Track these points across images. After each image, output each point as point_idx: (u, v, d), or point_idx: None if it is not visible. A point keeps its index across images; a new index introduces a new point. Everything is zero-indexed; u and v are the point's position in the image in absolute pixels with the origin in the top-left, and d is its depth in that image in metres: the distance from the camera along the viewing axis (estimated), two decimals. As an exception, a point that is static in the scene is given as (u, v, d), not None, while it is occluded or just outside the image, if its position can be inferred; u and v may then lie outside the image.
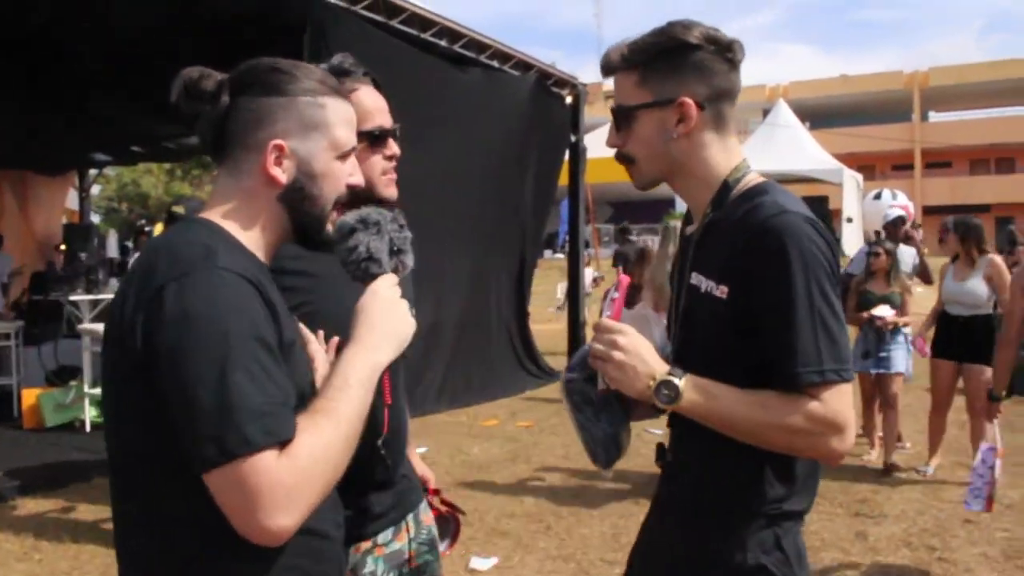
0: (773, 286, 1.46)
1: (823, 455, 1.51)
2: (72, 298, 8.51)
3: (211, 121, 1.38)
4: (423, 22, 7.90)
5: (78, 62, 8.13)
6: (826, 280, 1.47)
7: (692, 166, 1.63)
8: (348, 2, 6.87)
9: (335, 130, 1.42)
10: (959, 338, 6.15)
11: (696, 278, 1.60)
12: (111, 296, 8.66)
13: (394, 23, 7.50)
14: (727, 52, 1.60)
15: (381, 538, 1.88)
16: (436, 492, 2.21)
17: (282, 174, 1.38)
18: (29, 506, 5.54)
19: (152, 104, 9.83)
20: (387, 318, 1.40)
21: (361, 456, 1.54)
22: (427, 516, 2.06)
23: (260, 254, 1.41)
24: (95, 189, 32.40)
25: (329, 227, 1.46)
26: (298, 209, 1.42)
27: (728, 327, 1.53)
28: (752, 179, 1.63)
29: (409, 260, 1.50)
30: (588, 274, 14.75)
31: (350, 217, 1.47)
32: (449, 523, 2.19)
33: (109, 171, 27.79)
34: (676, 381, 1.48)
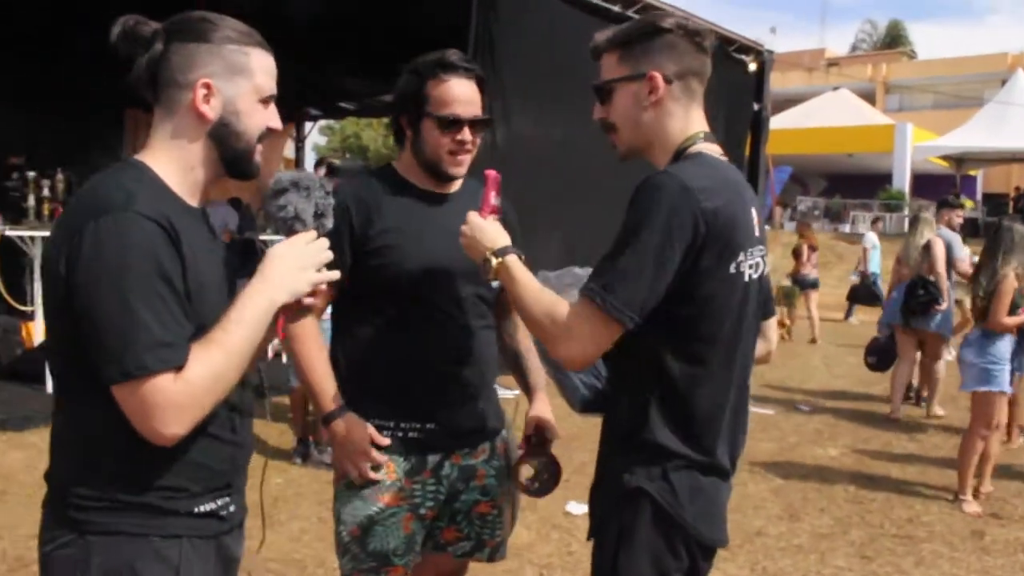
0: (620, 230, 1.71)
1: (553, 351, 1.78)
2: (262, 237, 9.40)
3: (146, 64, 1.55)
4: (598, -11, 8.00)
5: (284, 25, 8.93)
6: (656, 233, 1.65)
7: (659, 134, 1.86)
8: (517, -32, 7.10)
9: (257, 76, 1.59)
10: None
11: None
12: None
13: (565, -11, 7.66)
14: (695, 36, 1.84)
15: (461, 452, 2.29)
16: (545, 441, 2.36)
17: (210, 111, 1.55)
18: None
19: (349, 66, 10.68)
20: (291, 267, 1.58)
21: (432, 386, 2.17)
22: (504, 447, 2.38)
23: (190, 193, 1.60)
24: (322, 140, 34.69)
25: (258, 158, 1.64)
26: (225, 143, 1.59)
27: None
28: (697, 148, 1.83)
29: (329, 223, 1.71)
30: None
31: (285, 177, 1.68)
32: (548, 468, 2.33)
33: (335, 124, 29.68)
34: (492, 260, 1.86)
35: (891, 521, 4.93)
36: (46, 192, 7.19)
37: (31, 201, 7.12)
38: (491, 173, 2.06)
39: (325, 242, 1.67)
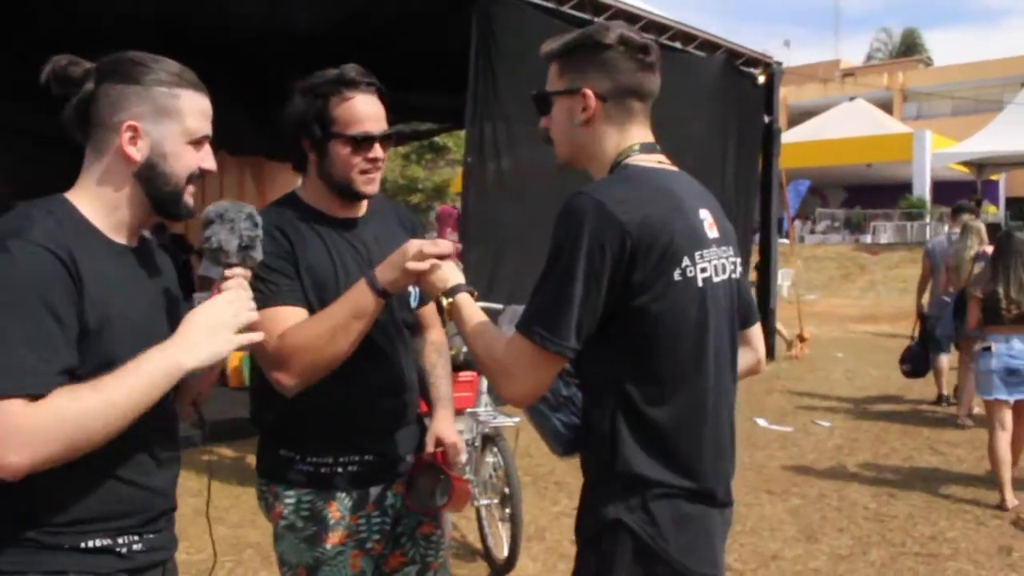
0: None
1: (497, 391, 1.76)
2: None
3: (77, 104, 1.56)
4: (596, 6, 7.98)
5: (298, 60, 8.96)
6: (573, 256, 1.61)
7: (592, 152, 1.82)
8: (516, -11, 7.08)
9: (187, 119, 1.60)
10: None
11: None
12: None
13: (565, 8, 7.64)
14: (639, 53, 1.76)
15: (400, 479, 2.23)
16: (443, 457, 2.29)
17: (136, 152, 1.56)
18: (213, 453, 6.31)
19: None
20: (206, 331, 1.54)
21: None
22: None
23: (116, 231, 1.59)
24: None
25: (187, 199, 1.64)
26: (152, 185, 1.59)
27: None
28: (627, 162, 1.77)
29: (257, 255, 1.69)
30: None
31: (212, 209, 1.67)
32: (443, 486, 2.23)
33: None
34: (444, 301, 1.88)
35: (913, 539, 4.76)
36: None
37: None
38: (446, 209, 2.01)
39: (249, 300, 1.64)
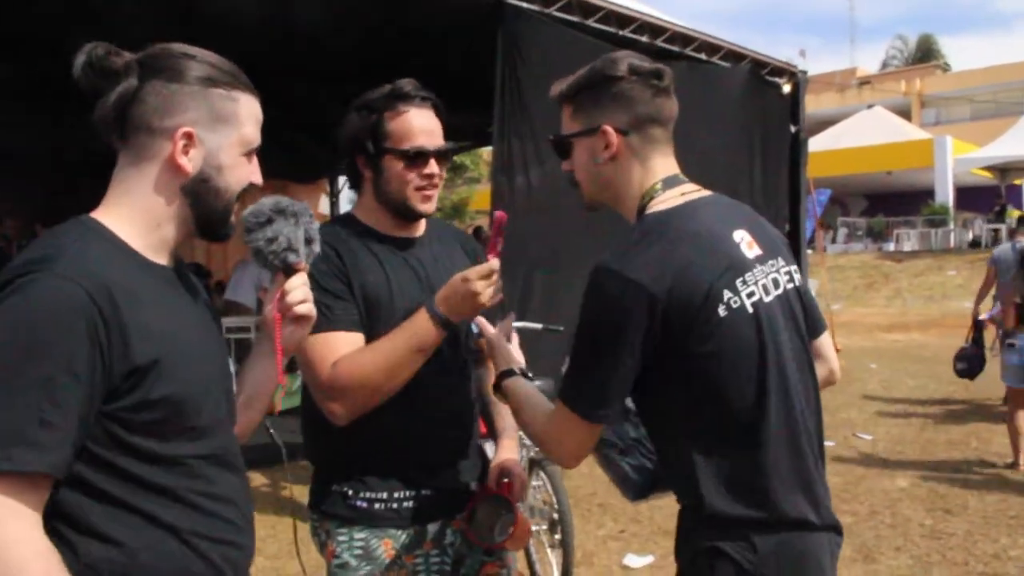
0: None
1: (547, 455, 1.92)
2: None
3: (116, 102, 1.34)
4: (621, 19, 7.90)
5: (313, 84, 8.94)
6: (601, 330, 1.62)
7: (619, 190, 1.77)
8: (540, 4, 7.03)
9: (245, 126, 1.42)
10: None
11: None
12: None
13: (590, 22, 7.57)
14: (652, 79, 1.71)
15: (460, 515, 2.11)
16: (509, 488, 2.16)
17: (188, 163, 1.36)
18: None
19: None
20: None
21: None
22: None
23: (155, 252, 1.40)
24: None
25: (234, 219, 1.47)
26: (202, 201, 1.40)
27: None
28: (654, 205, 1.71)
29: (317, 248, 1.58)
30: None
31: (266, 205, 1.53)
32: (504, 518, 2.10)
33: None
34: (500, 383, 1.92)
35: (975, 558, 4.60)
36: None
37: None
38: (500, 215, 1.95)
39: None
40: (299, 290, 1.56)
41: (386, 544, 2.02)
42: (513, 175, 7.13)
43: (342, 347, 1.94)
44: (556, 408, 1.69)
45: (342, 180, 16.50)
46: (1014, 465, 6.27)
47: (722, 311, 1.58)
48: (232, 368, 1.59)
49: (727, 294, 1.59)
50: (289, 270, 1.56)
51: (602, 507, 5.54)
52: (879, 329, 16.52)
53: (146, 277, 1.36)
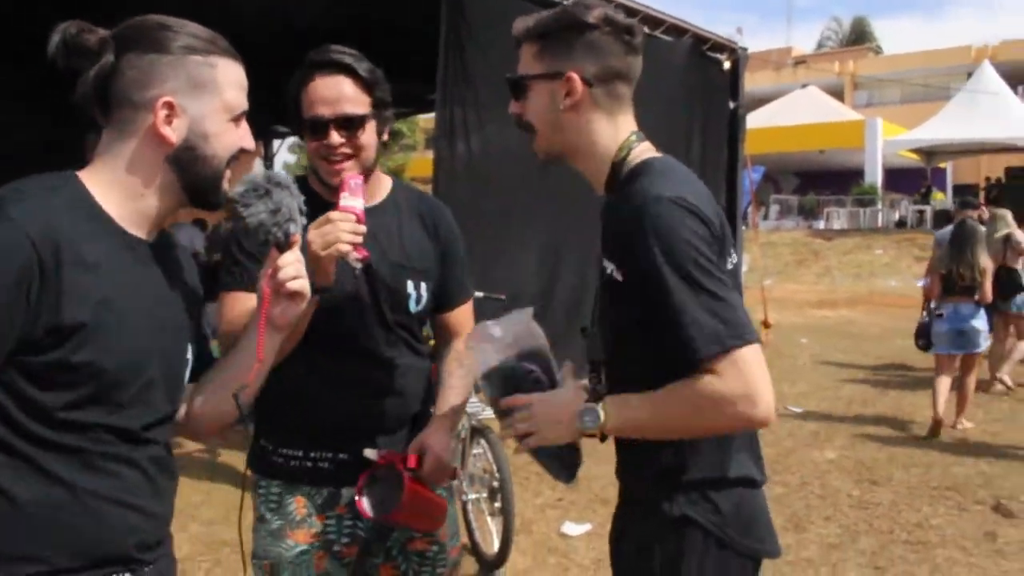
0: (648, 277, 1.49)
1: (746, 426, 1.54)
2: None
3: (94, 79, 1.34)
4: (566, -10, 7.85)
5: (254, 43, 8.70)
6: (695, 257, 1.47)
7: (582, 144, 1.69)
8: (486, -28, 6.92)
9: (226, 91, 1.40)
10: None
11: (604, 262, 1.65)
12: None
13: (536, -9, 7.50)
14: (624, 34, 1.65)
15: None
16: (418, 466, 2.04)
17: (172, 133, 1.36)
18: (181, 446, 6.03)
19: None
20: None
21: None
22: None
23: (135, 223, 1.39)
24: (291, 158, 34.39)
25: (226, 186, 1.45)
26: (189, 170, 1.39)
27: (627, 311, 1.59)
28: (636, 156, 1.67)
29: (304, 220, 1.53)
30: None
31: (260, 177, 1.48)
32: (390, 490, 1.98)
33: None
34: (589, 421, 1.56)
35: (900, 526, 4.75)
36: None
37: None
38: (347, 177, 1.86)
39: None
40: (292, 266, 1.51)
41: (298, 501, 2.04)
42: (454, 142, 7.06)
43: (245, 305, 1.90)
44: (728, 361, 1.43)
45: (277, 143, 16.17)
46: (936, 425, 6.65)
47: (729, 263, 1.60)
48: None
49: (730, 248, 1.63)
50: (283, 245, 1.50)
51: (539, 475, 5.56)
52: (809, 305, 16.90)
53: (107, 243, 1.33)
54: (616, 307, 1.62)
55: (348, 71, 1.98)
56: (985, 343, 7.09)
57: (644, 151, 1.67)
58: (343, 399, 2.02)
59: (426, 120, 25.05)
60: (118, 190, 1.37)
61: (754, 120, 29.55)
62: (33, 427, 1.27)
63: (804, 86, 33.62)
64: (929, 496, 5.26)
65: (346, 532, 2.04)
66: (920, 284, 8.71)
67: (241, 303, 1.94)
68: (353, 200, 1.83)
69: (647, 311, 1.50)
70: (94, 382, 1.29)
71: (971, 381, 7.04)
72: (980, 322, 6.80)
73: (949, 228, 8.71)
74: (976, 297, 6.74)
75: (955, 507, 5.05)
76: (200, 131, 1.38)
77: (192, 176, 1.40)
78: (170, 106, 1.35)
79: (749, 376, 1.43)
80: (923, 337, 8.07)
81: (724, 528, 1.58)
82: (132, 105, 1.35)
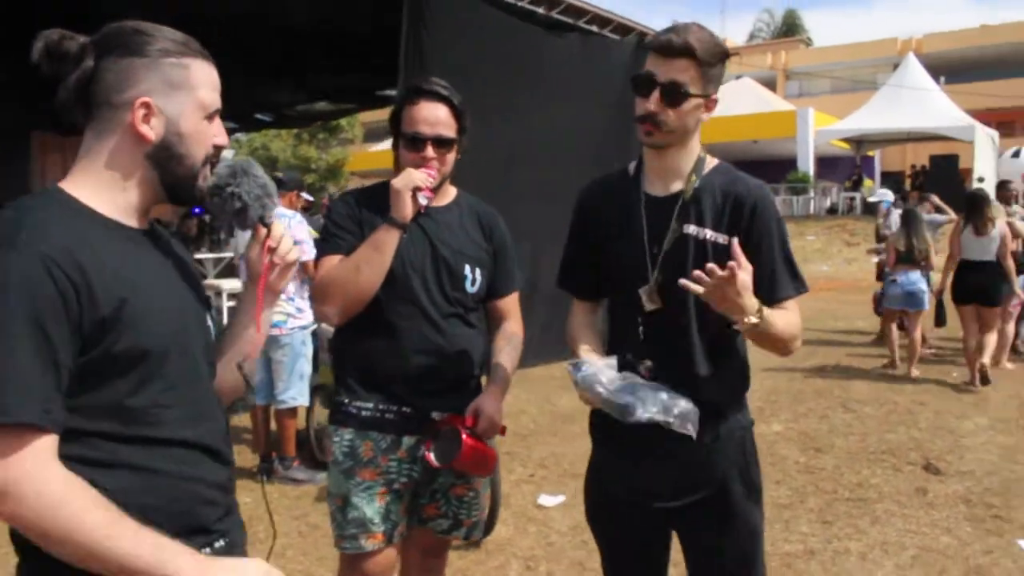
0: (770, 237, 2.12)
1: (788, 353, 2.18)
2: (196, 256, 9.25)
3: (75, 83, 1.40)
4: (520, -8, 8.16)
5: (197, 33, 8.81)
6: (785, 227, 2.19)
7: (690, 143, 2.17)
8: (445, -28, 7.18)
9: (198, 90, 1.47)
10: None
11: (691, 228, 2.12)
12: (232, 254, 9.11)
13: (492, -6, 7.79)
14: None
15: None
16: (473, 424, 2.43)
17: (150, 131, 1.42)
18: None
19: (268, 76, 10.60)
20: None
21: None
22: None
23: (121, 212, 1.45)
24: (229, 153, 34.06)
25: (202, 183, 1.52)
26: (167, 168, 1.46)
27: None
28: (708, 157, 2.21)
29: (276, 201, 1.67)
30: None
31: (229, 164, 1.61)
32: (448, 440, 2.40)
33: (241, 136, 29.26)
34: (754, 319, 1.98)
35: (843, 487, 5.24)
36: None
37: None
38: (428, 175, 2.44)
39: None
40: (286, 238, 1.65)
41: (367, 445, 2.46)
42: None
43: (334, 261, 2.44)
44: (790, 303, 2.11)
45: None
46: (891, 366, 8.82)
47: None
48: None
49: None
50: (267, 221, 1.63)
51: (510, 455, 5.91)
52: (748, 290, 17.52)
53: (108, 236, 1.41)
54: (702, 263, 1.95)
55: (446, 101, 2.45)
56: (927, 303, 8.57)
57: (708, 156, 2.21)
58: (409, 359, 2.45)
59: (365, 116, 25.06)
60: (103, 188, 1.43)
61: (691, 112, 30.10)
62: (103, 426, 1.36)
63: (738, 77, 34.44)
64: (868, 460, 5.77)
65: (404, 473, 2.47)
66: (875, 260, 10.63)
67: (331, 261, 2.44)
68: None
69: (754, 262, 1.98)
70: (143, 365, 1.38)
71: (918, 335, 8.68)
72: (924, 284, 8.46)
73: (898, 214, 9.90)
74: (923, 264, 8.44)
75: (890, 468, 5.57)
76: (176, 130, 1.45)
77: (169, 173, 1.47)
78: (147, 106, 1.42)
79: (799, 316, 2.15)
80: (881, 304, 9.67)
81: (751, 428, 2.30)
82: (111, 106, 1.42)
